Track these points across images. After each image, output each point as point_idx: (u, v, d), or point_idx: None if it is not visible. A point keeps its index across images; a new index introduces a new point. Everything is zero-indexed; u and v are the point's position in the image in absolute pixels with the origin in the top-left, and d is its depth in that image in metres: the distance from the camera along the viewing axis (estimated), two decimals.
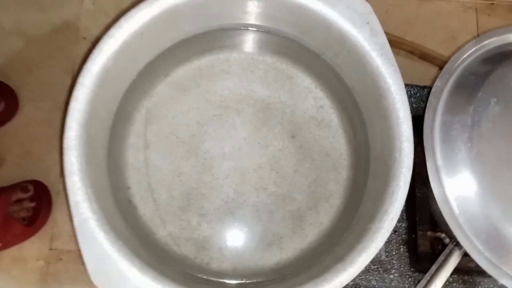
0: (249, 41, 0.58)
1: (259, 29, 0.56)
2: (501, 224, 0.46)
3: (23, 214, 0.63)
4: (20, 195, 0.63)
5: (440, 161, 0.48)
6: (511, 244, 0.45)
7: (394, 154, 0.44)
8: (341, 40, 0.48)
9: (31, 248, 0.67)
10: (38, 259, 0.67)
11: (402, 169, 0.44)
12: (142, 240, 0.49)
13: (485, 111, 0.48)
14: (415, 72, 0.71)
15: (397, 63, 0.47)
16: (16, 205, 0.63)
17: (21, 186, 0.64)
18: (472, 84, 0.50)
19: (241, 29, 0.56)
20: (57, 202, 0.69)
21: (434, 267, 0.48)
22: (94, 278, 0.41)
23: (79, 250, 0.66)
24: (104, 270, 0.40)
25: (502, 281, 0.45)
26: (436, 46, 0.73)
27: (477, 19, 0.76)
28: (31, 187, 0.63)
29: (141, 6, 0.46)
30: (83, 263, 0.67)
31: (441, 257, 0.48)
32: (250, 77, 0.57)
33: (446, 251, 0.49)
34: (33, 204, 0.63)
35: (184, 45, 0.55)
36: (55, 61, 0.74)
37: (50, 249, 0.67)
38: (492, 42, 0.53)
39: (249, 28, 0.56)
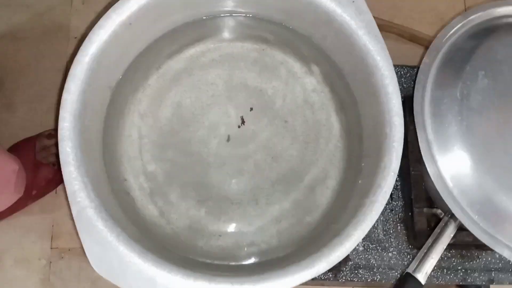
0: (239, 29, 0.58)
1: (248, 15, 0.57)
2: (494, 194, 0.46)
3: (52, 159, 0.63)
4: (46, 142, 0.63)
5: (431, 136, 0.49)
6: (505, 213, 0.46)
7: (385, 129, 0.45)
8: (328, 21, 0.49)
9: (33, 248, 0.68)
10: (40, 258, 0.68)
11: (394, 144, 0.44)
12: (140, 229, 0.49)
13: (473, 84, 0.49)
14: (405, 54, 0.71)
15: (387, 46, 0.48)
16: (43, 151, 0.63)
17: (46, 134, 0.64)
18: (460, 59, 0.51)
19: (230, 16, 0.57)
20: (56, 202, 0.69)
21: (430, 240, 0.48)
22: (95, 266, 0.41)
23: (80, 248, 0.67)
24: (104, 257, 0.41)
25: (497, 249, 0.46)
26: (424, 28, 0.73)
27: None
28: (55, 133, 0.63)
29: None
30: (84, 260, 0.67)
31: (437, 230, 0.49)
32: (241, 65, 0.58)
33: (442, 223, 0.49)
34: None
35: (174, 35, 0.55)
36: (48, 62, 0.74)
37: (52, 248, 0.68)
38: (478, 17, 0.53)
39: (238, 15, 0.57)
